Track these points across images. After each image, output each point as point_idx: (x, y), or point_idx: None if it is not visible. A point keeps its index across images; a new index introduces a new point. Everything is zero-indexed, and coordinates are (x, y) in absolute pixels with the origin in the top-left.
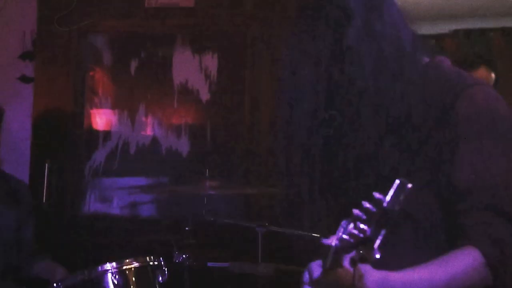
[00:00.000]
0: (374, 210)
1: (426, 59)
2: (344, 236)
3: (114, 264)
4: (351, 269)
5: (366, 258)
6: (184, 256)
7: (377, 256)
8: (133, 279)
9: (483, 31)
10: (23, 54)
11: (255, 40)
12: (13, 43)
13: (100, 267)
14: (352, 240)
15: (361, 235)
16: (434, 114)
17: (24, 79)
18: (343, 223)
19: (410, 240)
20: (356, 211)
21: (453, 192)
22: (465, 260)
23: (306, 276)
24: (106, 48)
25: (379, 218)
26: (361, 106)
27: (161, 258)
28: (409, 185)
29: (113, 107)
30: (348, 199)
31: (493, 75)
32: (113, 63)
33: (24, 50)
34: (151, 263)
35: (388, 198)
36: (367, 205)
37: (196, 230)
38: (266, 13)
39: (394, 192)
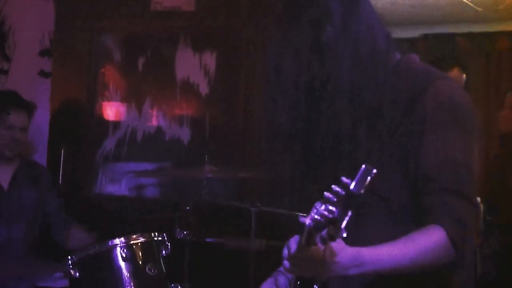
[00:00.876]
0: (343, 193)
1: (398, 56)
2: (316, 216)
3: (122, 239)
4: (323, 247)
5: (334, 236)
6: (184, 232)
7: (344, 235)
8: (140, 252)
9: (450, 36)
10: (42, 52)
11: (249, 40)
12: (33, 42)
13: (110, 241)
14: (322, 220)
15: (330, 215)
16: (404, 105)
17: (43, 74)
18: (316, 204)
19: (382, 219)
20: (327, 194)
21: (421, 176)
22: (430, 237)
23: (285, 252)
24: (116, 47)
25: (346, 201)
26: (338, 98)
27: (164, 234)
28: (374, 170)
29: (122, 99)
30: (325, 182)
31: (464, 76)
32: (122, 61)
33: (42, 48)
34: (155, 238)
35: (354, 182)
36: (336, 188)
37: (195, 209)
38: (259, 17)
39: (360, 177)
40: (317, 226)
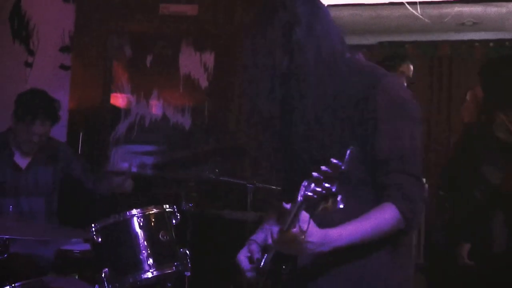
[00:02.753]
0: (331, 171)
1: (348, 55)
2: (309, 193)
3: (139, 210)
4: (304, 229)
5: (329, 210)
6: (189, 205)
7: (341, 206)
8: (154, 221)
9: (401, 43)
10: (63, 48)
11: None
12: (55, 39)
13: (128, 212)
14: (315, 196)
15: (324, 191)
16: (357, 97)
17: (63, 67)
18: (303, 184)
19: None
20: (315, 174)
21: (376, 160)
22: (385, 214)
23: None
24: (128, 45)
25: (340, 177)
26: (305, 89)
27: (174, 206)
28: (354, 151)
29: (132, 91)
30: (298, 161)
31: (412, 67)
32: (133, 57)
33: (63, 44)
34: (167, 209)
35: (344, 163)
36: (326, 168)
37: (198, 185)
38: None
39: (348, 158)
40: (310, 202)
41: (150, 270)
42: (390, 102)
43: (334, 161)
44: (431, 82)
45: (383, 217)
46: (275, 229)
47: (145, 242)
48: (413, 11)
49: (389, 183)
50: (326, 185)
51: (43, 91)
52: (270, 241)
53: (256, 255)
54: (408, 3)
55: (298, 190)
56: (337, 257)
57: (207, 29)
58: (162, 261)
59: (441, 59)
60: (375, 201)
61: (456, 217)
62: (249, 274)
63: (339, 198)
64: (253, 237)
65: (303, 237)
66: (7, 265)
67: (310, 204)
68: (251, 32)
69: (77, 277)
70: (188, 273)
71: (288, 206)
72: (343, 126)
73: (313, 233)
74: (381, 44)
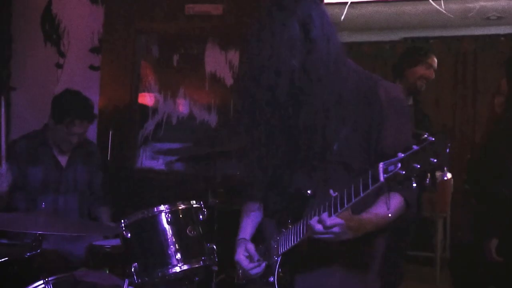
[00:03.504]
0: (424, 149)
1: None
2: (416, 165)
3: (167, 205)
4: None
5: (435, 179)
6: (215, 201)
7: (446, 177)
8: (181, 217)
9: (426, 39)
10: (92, 49)
11: None
12: (84, 40)
13: (156, 208)
14: (424, 168)
15: (422, 166)
16: (359, 96)
17: (92, 67)
18: (381, 166)
19: (346, 183)
20: (400, 154)
21: (381, 153)
22: (396, 200)
23: (318, 225)
24: (155, 45)
25: (445, 155)
26: (316, 84)
27: (201, 202)
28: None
29: (159, 90)
30: (305, 154)
31: (436, 60)
32: (160, 57)
33: (92, 46)
34: (194, 205)
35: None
36: (416, 147)
37: (223, 181)
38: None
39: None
40: (396, 180)
41: (178, 265)
42: (392, 100)
43: (431, 138)
44: (456, 76)
45: (395, 205)
46: (324, 217)
47: (173, 237)
48: (437, 7)
49: None
50: (433, 160)
51: (78, 91)
52: (311, 230)
53: (255, 253)
54: None
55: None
56: (345, 247)
57: (232, 28)
58: (190, 255)
59: (466, 54)
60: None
61: (481, 211)
62: (253, 272)
63: (446, 168)
64: (241, 235)
65: (346, 223)
66: (41, 260)
67: (394, 182)
68: (260, 27)
69: (108, 271)
70: (216, 268)
71: (334, 194)
72: (347, 121)
73: (352, 219)
74: (405, 39)
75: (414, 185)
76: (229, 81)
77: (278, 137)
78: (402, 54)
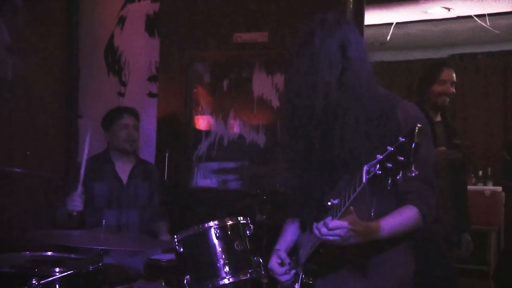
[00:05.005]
0: (397, 149)
1: None
2: (388, 164)
3: (216, 222)
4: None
5: (406, 175)
6: (263, 216)
7: (414, 174)
8: (229, 232)
9: (474, 55)
10: (150, 77)
11: None
12: (143, 70)
13: (206, 224)
14: (392, 166)
15: (397, 164)
16: (380, 114)
17: (151, 94)
18: (365, 168)
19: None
20: (379, 156)
21: None
22: (409, 212)
23: (322, 229)
24: (207, 71)
25: (416, 148)
26: (351, 100)
27: (248, 218)
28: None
29: (211, 113)
30: (333, 166)
31: (454, 75)
32: (211, 82)
33: (150, 74)
34: (241, 221)
35: (415, 136)
36: (390, 148)
37: (271, 198)
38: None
39: (418, 133)
40: (376, 180)
41: (227, 277)
42: (409, 119)
43: (402, 139)
44: (505, 90)
45: (408, 216)
46: (327, 220)
47: (222, 251)
48: (482, 23)
49: (411, 189)
50: (400, 158)
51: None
52: (318, 233)
53: (287, 260)
54: (476, 15)
55: (326, 190)
56: (360, 250)
57: (277, 54)
58: (238, 268)
59: None
60: (390, 202)
61: None
62: (283, 279)
63: (413, 166)
64: (277, 246)
65: (350, 226)
66: (103, 273)
67: (376, 183)
68: (305, 45)
69: (163, 283)
70: (266, 280)
71: (336, 201)
72: (371, 138)
73: (358, 223)
74: (453, 56)
75: (389, 182)
76: (275, 103)
77: (316, 153)
78: (420, 76)
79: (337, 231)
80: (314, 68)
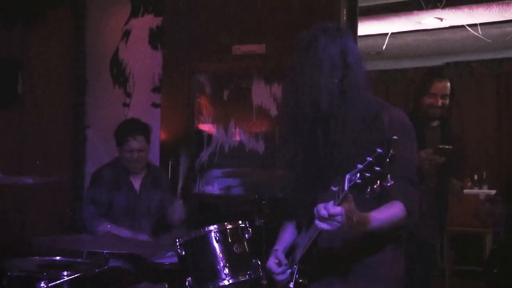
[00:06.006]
0: (376, 159)
1: None
2: (357, 180)
3: (216, 226)
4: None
5: (376, 191)
6: (262, 221)
7: (390, 183)
8: (229, 235)
9: (468, 63)
10: (154, 89)
11: None
12: (147, 81)
13: (206, 228)
14: (360, 181)
15: (375, 174)
16: (367, 118)
17: (154, 105)
18: (347, 176)
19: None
20: (359, 165)
21: None
22: (396, 208)
23: (322, 211)
24: (207, 82)
25: (391, 159)
26: (348, 104)
27: (247, 222)
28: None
29: (212, 122)
30: (327, 168)
31: (449, 84)
32: (212, 93)
33: (154, 86)
34: (240, 225)
35: (392, 147)
36: (369, 158)
37: (270, 203)
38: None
39: (393, 144)
40: (358, 188)
41: (227, 278)
42: (394, 123)
43: (379, 150)
44: (499, 97)
45: (395, 211)
46: (321, 206)
47: (221, 254)
48: (474, 32)
49: (396, 187)
50: (376, 168)
51: (135, 118)
52: (322, 212)
53: (284, 261)
54: (468, 25)
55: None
56: (351, 252)
57: (275, 65)
58: (237, 270)
59: (508, 75)
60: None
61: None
62: (279, 278)
63: (388, 176)
64: (275, 247)
65: (347, 213)
66: (108, 275)
67: (357, 189)
68: (308, 48)
69: (166, 286)
70: (265, 282)
71: (335, 188)
72: (361, 141)
73: (355, 212)
74: (447, 64)
75: (368, 191)
76: (273, 112)
77: (311, 155)
78: (415, 84)
79: (337, 218)
80: (317, 73)
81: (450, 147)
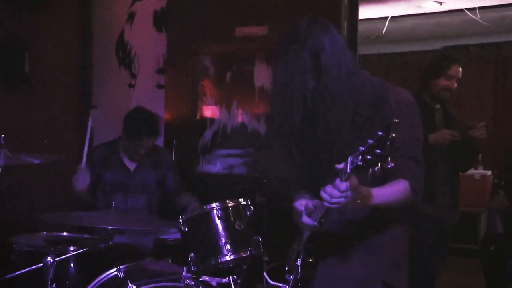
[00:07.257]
0: (377, 142)
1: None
2: (368, 156)
3: (218, 203)
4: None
5: (376, 173)
6: (262, 199)
7: (390, 166)
8: (230, 213)
9: (466, 46)
10: (158, 70)
11: None
12: (151, 63)
13: (208, 205)
14: (372, 158)
15: (376, 156)
16: (372, 102)
17: (159, 86)
18: (349, 159)
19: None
20: (361, 148)
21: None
22: (401, 184)
23: (331, 191)
24: (210, 64)
25: (392, 142)
26: (331, 100)
27: (248, 200)
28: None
29: (215, 103)
30: (329, 151)
31: (460, 69)
32: (215, 74)
33: (158, 67)
34: (241, 203)
35: (392, 130)
36: (370, 140)
37: (271, 181)
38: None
39: (394, 127)
40: (368, 163)
41: (228, 254)
42: (400, 102)
43: (380, 133)
44: (497, 81)
45: (399, 187)
46: (329, 186)
47: (223, 231)
48: (473, 16)
49: (402, 165)
50: (377, 151)
51: (147, 110)
52: (328, 197)
53: (311, 205)
54: (467, 9)
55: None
56: (356, 232)
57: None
58: (238, 246)
59: (506, 59)
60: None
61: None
62: (305, 220)
63: (389, 159)
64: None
65: (353, 188)
66: (114, 251)
67: (359, 171)
68: (281, 56)
69: (170, 261)
70: (266, 258)
71: (341, 166)
72: (361, 128)
73: (361, 187)
74: (446, 48)
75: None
76: None
77: (303, 149)
78: (426, 66)
79: (348, 193)
80: (288, 80)
81: (475, 123)
